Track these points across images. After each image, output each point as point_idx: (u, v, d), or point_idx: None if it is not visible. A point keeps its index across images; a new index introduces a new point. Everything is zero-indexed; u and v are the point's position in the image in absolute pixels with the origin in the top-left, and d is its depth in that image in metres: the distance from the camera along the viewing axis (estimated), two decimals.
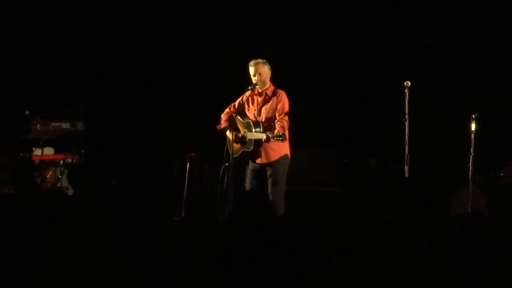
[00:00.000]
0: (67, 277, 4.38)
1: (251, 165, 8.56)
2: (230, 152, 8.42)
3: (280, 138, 8.04)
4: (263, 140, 8.20)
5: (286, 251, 4.61)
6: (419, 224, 5.29)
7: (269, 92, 8.50)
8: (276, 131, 8.15)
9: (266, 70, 8.48)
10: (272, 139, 8.08)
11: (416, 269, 4.45)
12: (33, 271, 4.45)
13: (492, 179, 9.97)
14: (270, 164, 8.42)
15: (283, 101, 8.42)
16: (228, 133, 8.51)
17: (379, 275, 4.40)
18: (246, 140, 8.40)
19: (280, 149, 8.42)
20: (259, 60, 8.49)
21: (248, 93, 8.53)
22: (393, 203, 8.24)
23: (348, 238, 4.99)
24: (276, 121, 8.35)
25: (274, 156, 8.42)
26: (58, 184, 10.55)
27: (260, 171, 8.49)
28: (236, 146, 8.50)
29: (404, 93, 8.68)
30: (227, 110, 8.69)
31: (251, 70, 8.48)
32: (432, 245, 4.78)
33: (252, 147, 8.36)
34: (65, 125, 10.70)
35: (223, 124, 8.61)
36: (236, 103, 8.67)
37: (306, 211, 8.76)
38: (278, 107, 8.39)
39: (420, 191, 9.18)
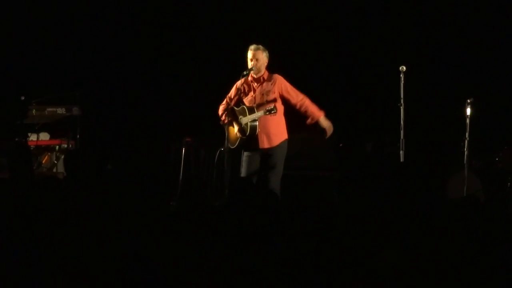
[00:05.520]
0: (62, 262, 4.38)
1: (247, 151, 8.48)
2: (229, 145, 8.42)
3: (273, 111, 8.07)
4: (260, 115, 8.17)
5: (283, 236, 4.63)
6: (415, 208, 5.31)
7: (265, 77, 8.45)
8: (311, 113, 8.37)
9: (263, 57, 8.40)
10: (266, 113, 8.08)
11: (412, 253, 4.47)
12: (29, 257, 4.45)
13: (488, 163, 10.00)
14: (271, 149, 8.37)
15: (287, 86, 8.39)
16: (231, 127, 8.46)
17: (375, 258, 4.42)
18: (242, 126, 8.34)
19: (281, 134, 8.38)
20: (260, 46, 8.41)
21: (242, 79, 8.48)
22: (389, 188, 8.27)
23: (344, 222, 5.01)
24: (300, 108, 8.38)
25: (276, 141, 8.36)
26: (54, 170, 10.54)
27: (256, 157, 8.43)
28: (234, 137, 8.46)
29: (400, 78, 8.68)
30: (223, 104, 8.59)
31: (250, 54, 8.38)
32: (428, 229, 4.80)
33: (248, 132, 8.29)
34: (60, 110, 10.68)
35: (225, 118, 8.46)
36: (232, 93, 8.55)
37: (302, 196, 8.77)
38: (291, 94, 8.37)
39: (416, 176, 9.22)
